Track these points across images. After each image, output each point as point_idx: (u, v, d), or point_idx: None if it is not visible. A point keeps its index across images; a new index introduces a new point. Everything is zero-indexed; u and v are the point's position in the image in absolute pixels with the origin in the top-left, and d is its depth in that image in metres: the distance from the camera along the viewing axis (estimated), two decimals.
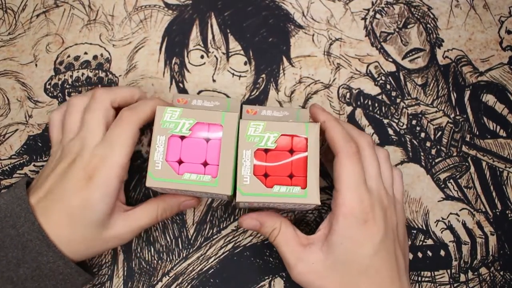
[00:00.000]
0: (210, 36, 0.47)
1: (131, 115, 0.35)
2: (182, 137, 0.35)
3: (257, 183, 0.35)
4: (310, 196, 0.34)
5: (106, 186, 0.33)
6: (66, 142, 0.36)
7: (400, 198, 0.39)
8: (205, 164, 0.35)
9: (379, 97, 0.46)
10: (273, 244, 0.37)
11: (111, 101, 0.37)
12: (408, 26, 0.48)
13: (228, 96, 0.45)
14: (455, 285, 0.42)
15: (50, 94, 0.45)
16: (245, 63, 0.46)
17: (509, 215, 0.44)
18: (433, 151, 0.45)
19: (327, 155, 0.40)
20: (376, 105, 0.46)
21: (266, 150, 0.35)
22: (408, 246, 0.38)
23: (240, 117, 0.37)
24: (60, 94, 0.45)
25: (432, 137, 0.45)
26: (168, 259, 0.42)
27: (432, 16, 0.48)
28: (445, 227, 0.43)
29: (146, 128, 0.44)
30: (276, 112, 0.38)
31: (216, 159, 0.35)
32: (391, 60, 0.47)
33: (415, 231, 0.43)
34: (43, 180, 0.35)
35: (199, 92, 0.45)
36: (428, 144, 0.45)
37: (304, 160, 0.35)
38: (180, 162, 0.35)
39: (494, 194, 0.44)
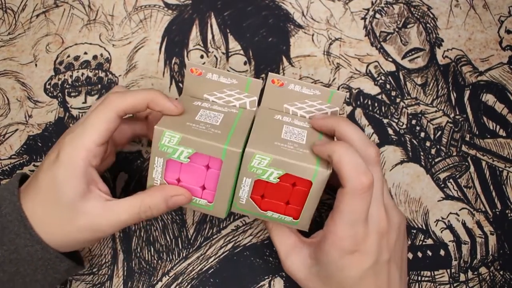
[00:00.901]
0: (209, 36, 0.47)
1: (113, 101, 0.33)
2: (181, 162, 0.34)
3: (252, 205, 0.35)
4: (301, 225, 0.35)
5: (70, 166, 0.32)
6: None
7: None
8: (203, 187, 0.35)
9: (379, 96, 0.46)
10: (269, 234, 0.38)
11: (119, 113, 0.34)
12: (408, 26, 0.48)
13: None
14: (455, 284, 0.42)
15: (50, 94, 0.45)
16: (245, 63, 0.46)
17: (509, 214, 0.44)
18: (433, 151, 0.45)
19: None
20: (376, 104, 0.46)
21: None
22: (406, 254, 0.37)
23: (264, 85, 0.36)
24: (60, 94, 0.45)
25: (431, 136, 0.45)
26: (168, 259, 0.42)
27: (431, 15, 0.48)
28: (445, 226, 0.43)
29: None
30: (306, 89, 0.35)
31: (213, 187, 0.34)
32: (390, 59, 0.47)
33: (415, 231, 0.43)
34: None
35: None
36: (427, 143, 0.45)
37: (304, 194, 0.33)
38: (178, 180, 0.35)
39: (493, 193, 0.44)
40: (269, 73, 0.35)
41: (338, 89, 0.46)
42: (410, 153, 0.45)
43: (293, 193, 0.34)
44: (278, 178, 0.33)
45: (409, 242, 0.43)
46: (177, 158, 0.33)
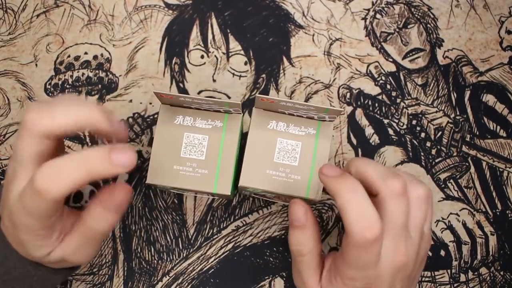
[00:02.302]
0: (210, 36, 0.47)
1: (45, 183, 0.25)
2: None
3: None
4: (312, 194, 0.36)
5: (26, 237, 0.29)
6: None
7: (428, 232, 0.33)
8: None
9: (379, 97, 0.46)
10: (294, 257, 0.33)
11: (42, 134, 0.27)
12: (408, 26, 0.48)
13: (228, 97, 0.45)
14: (455, 285, 0.42)
15: (50, 94, 0.45)
16: (245, 63, 0.46)
17: (509, 215, 0.44)
18: (433, 151, 0.45)
19: None
20: (376, 105, 0.46)
21: None
22: (420, 273, 0.34)
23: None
24: (60, 94, 0.45)
25: (432, 137, 0.45)
26: (168, 259, 0.42)
27: (432, 16, 0.48)
28: (445, 227, 0.43)
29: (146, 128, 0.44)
30: (298, 105, 0.32)
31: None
32: (391, 60, 0.47)
33: None
34: None
35: (199, 92, 0.45)
36: (428, 144, 0.45)
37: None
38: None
39: (494, 194, 0.44)
40: (256, 95, 0.33)
41: (338, 90, 0.46)
42: (411, 154, 0.45)
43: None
44: (273, 195, 0.37)
45: None
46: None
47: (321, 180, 0.30)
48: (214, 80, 0.46)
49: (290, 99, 0.45)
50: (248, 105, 0.45)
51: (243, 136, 0.42)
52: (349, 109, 0.45)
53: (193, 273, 0.42)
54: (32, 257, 0.31)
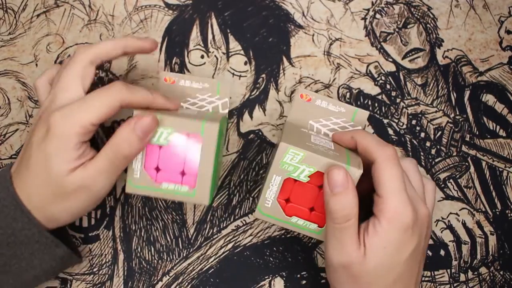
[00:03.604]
0: (210, 36, 0.47)
1: (119, 92, 0.33)
2: (160, 146, 0.34)
3: (278, 209, 0.35)
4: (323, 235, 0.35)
5: (63, 139, 0.32)
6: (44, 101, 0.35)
7: (431, 210, 0.37)
8: (182, 173, 0.34)
9: (379, 97, 0.46)
10: (339, 225, 0.32)
11: (91, 59, 0.35)
12: (408, 26, 0.48)
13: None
14: (455, 284, 0.42)
15: None
16: (245, 63, 0.46)
17: (509, 214, 0.44)
18: (433, 151, 0.45)
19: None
20: (376, 105, 0.46)
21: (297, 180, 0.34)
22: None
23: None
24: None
25: (432, 137, 0.45)
26: (168, 259, 0.42)
27: (432, 16, 0.48)
28: (445, 226, 0.43)
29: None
30: (332, 105, 0.39)
31: (194, 169, 0.34)
32: (391, 60, 0.47)
33: None
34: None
35: None
36: (428, 144, 0.45)
37: None
38: (157, 169, 0.34)
39: (494, 194, 0.44)
40: (298, 88, 0.35)
41: (338, 89, 0.46)
42: (410, 153, 0.45)
43: (319, 196, 0.34)
44: (308, 176, 0.33)
45: None
46: (156, 141, 0.34)
47: (335, 140, 0.38)
48: None
49: (290, 99, 0.45)
50: (248, 105, 0.45)
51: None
52: None
53: (193, 272, 0.42)
54: (51, 175, 0.32)
